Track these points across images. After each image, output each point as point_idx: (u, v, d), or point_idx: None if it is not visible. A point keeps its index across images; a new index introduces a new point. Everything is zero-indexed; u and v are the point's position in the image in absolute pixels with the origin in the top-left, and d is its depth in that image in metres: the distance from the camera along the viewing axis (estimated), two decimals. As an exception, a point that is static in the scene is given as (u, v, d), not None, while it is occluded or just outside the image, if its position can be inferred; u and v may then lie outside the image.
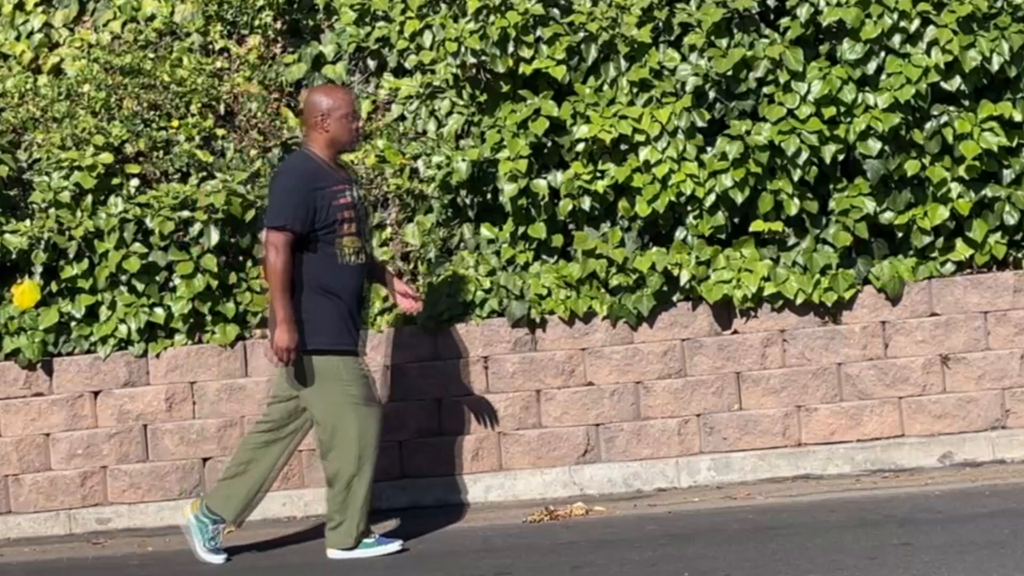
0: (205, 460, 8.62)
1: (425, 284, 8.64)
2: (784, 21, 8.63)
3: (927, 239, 8.47)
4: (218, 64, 9.35)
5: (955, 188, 8.42)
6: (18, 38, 9.60)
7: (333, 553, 7.43)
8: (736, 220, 8.56)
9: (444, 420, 8.58)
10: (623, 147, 8.52)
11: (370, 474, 7.39)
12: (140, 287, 8.61)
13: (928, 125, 8.44)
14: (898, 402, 8.43)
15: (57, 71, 9.47)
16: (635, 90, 8.57)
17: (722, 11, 8.53)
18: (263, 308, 8.57)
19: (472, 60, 8.66)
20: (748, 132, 8.42)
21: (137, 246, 8.60)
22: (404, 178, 8.84)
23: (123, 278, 8.61)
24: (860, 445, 8.41)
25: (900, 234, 8.53)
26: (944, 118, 8.40)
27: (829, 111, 8.39)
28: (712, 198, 8.43)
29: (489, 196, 8.76)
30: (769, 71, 8.50)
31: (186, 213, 8.60)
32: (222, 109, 9.19)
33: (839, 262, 8.45)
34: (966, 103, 8.46)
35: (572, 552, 7.12)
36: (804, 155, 8.36)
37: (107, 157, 8.78)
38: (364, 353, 7.65)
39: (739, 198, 8.41)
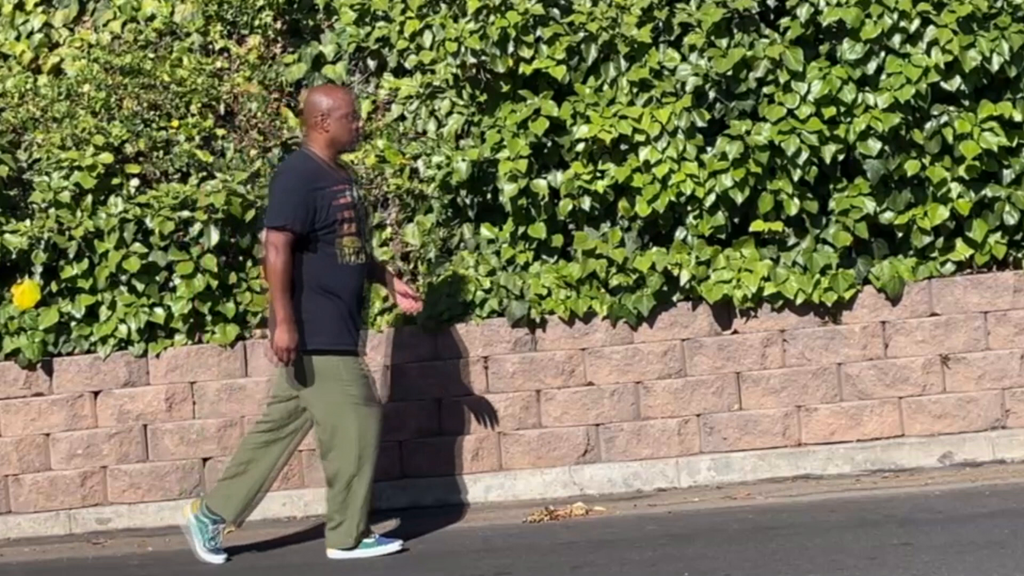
0: (205, 460, 8.62)
1: (425, 284, 8.64)
2: (784, 21, 8.63)
3: (927, 239, 8.47)
4: (218, 64, 9.35)
5: (955, 188, 8.42)
6: (18, 38, 9.60)
7: (333, 553, 7.43)
8: (736, 220, 8.56)
9: (444, 420, 8.58)
10: (623, 147, 8.52)
11: (370, 474, 7.39)
12: (140, 287, 8.61)
13: (928, 125, 8.44)
14: (898, 402, 8.43)
15: (57, 71, 9.47)
16: (635, 90, 8.57)
17: (722, 11, 8.53)
18: (263, 308, 8.57)
19: (472, 60, 8.66)
20: (748, 132, 8.42)
21: (137, 246, 8.60)
22: (404, 178, 8.84)
23: (123, 278, 8.61)
24: (860, 445, 8.41)
25: (900, 234, 8.53)
26: (944, 118, 8.40)
27: (829, 111, 8.39)
28: (712, 198, 8.43)
29: (489, 196, 8.76)
30: (769, 71, 8.50)
31: (186, 213, 8.60)
32: (222, 109, 9.18)
33: (839, 262, 8.45)
34: (966, 103, 8.46)
35: (572, 552, 7.12)
36: (804, 155, 8.36)
37: (107, 157, 8.78)
38: (364, 353, 7.65)
39: (739, 198, 8.42)
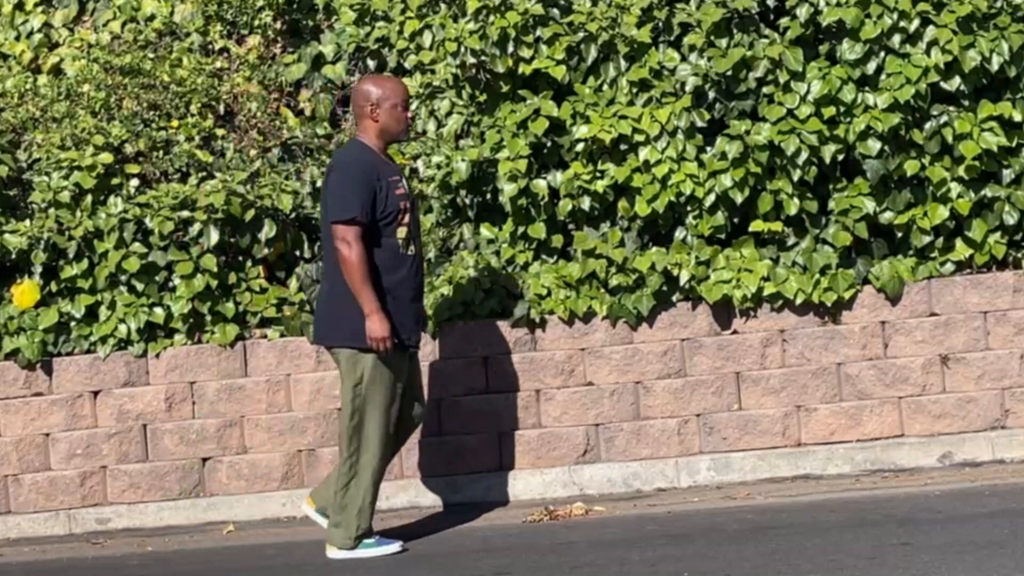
0: (205, 460, 8.62)
1: (426, 284, 8.63)
2: (784, 21, 8.63)
3: (927, 239, 8.48)
4: (218, 64, 9.35)
5: (955, 188, 8.42)
6: (18, 38, 9.61)
7: (333, 553, 7.42)
8: (736, 220, 8.56)
9: (444, 420, 8.58)
10: (623, 147, 8.52)
11: (371, 479, 7.35)
12: (140, 287, 8.60)
13: (928, 125, 8.44)
14: (898, 402, 8.44)
15: (57, 71, 9.48)
16: (635, 90, 8.57)
17: (722, 11, 8.53)
18: (262, 308, 8.57)
19: (472, 60, 8.66)
20: (748, 132, 8.42)
21: (137, 246, 8.60)
22: (404, 178, 8.84)
23: (123, 278, 8.61)
24: (860, 445, 8.41)
25: (900, 234, 8.53)
26: (944, 118, 8.41)
27: (829, 111, 8.39)
28: (712, 198, 8.43)
29: (489, 196, 8.76)
30: (769, 71, 8.50)
31: (186, 213, 8.60)
32: (222, 109, 9.19)
33: (839, 262, 8.45)
34: (966, 103, 8.46)
35: (572, 552, 7.12)
36: (804, 155, 8.37)
37: (107, 157, 8.79)
38: (418, 347, 7.56)
39: (739, 198, 8.42)
